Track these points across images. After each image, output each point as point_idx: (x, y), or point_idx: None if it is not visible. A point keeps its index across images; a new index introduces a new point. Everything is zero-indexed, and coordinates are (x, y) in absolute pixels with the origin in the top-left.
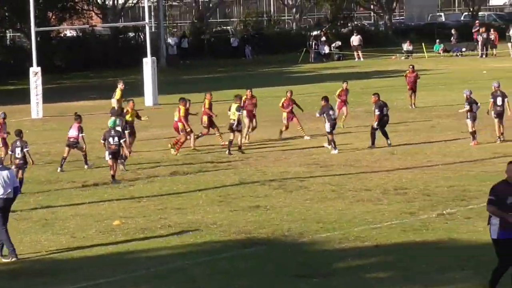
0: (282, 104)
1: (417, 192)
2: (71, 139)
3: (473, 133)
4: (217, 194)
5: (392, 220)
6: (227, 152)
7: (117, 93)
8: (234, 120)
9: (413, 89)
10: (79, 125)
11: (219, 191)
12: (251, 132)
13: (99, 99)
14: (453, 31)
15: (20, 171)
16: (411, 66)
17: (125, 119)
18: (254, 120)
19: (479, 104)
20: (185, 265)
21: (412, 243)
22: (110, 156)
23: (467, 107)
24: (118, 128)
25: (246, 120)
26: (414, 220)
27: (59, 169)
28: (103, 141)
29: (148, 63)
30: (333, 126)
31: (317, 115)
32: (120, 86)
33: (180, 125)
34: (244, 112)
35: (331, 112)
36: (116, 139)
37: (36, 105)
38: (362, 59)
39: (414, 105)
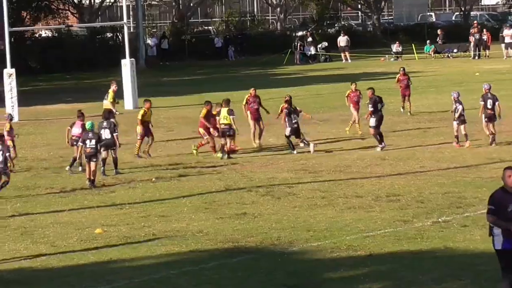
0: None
1: (411, 199)
2: (74, 137)
3: (457, 137)
4: (202, 201)
5: (385, 228)
6: (221, 156)
7: (110, 95)
8: (225, 125)
9: (406, 94)
10: (83, 123)
11: (204, 198)
12: (258, 138)
13: (76, 102)
14: (439, 32)
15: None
16: (401, 69)
17: (141, 119)
18: (261, 123)
19: (462, 106)
20: (170, 275)
21: (406, 252)
22: (86, 159)
23: (460, 109)
24: (104, 132)
25: (251, 123)
26: (408, 228)
27: (80, 168)
28: (81, 144)
29: (126, 64)
30: (292, 132)
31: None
32: (113, 87)
33: (201, 129)
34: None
35: (292, 116)
36: (93, 141)
37: (11, 109)
38: (349, 60)
39: (410, 112)
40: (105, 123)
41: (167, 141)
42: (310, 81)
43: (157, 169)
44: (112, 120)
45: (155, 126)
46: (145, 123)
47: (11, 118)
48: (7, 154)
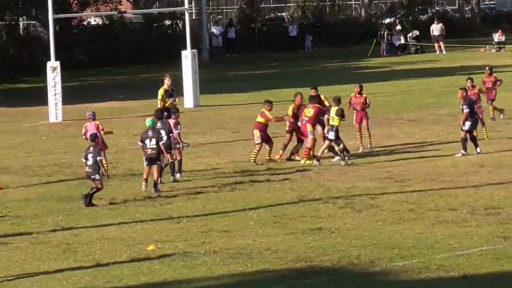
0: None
1: None
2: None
3: None
4: (271, 214)
5: (482, 246)
6: (316, 162)
7: (160, 91)
8: (331, 126)
9: (490, 98)
10: (176, 120)
11: (274, 210)
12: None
13: (129, 99)
14: None
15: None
16: (487, 68)
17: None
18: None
19: None
20: None
21: (506, 273)
22: (146, 162)
23: None
24: (160, 131)
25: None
26: (508, 246)
27: (178, 174)
28: (141, 143)
29: (187, 56)
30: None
31: None
32: (167, 81)
33: (308, 126)
34: None
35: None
36: (153, 141)
37: (55, 107)
38: (444, 51)
39: (493, 118)
40: (159, 124)
41: (230, 142)
42: (398, 76)
43: (220, 176)
44: (167, 120)
45: (218, 127)
46: (263, 126)
47: (94, 116)
48: (98, 159)
